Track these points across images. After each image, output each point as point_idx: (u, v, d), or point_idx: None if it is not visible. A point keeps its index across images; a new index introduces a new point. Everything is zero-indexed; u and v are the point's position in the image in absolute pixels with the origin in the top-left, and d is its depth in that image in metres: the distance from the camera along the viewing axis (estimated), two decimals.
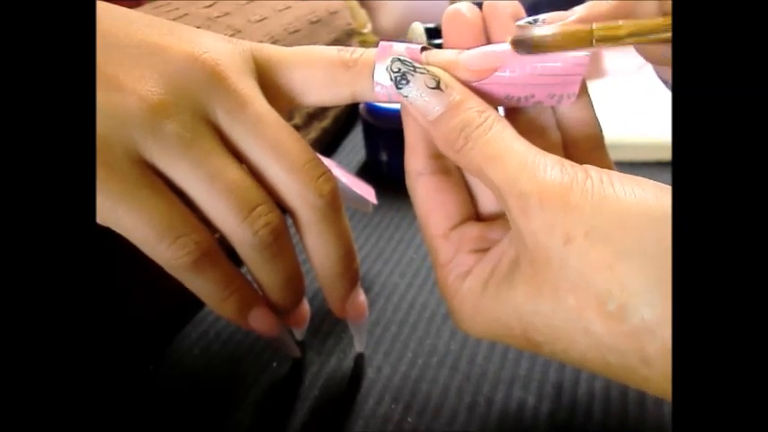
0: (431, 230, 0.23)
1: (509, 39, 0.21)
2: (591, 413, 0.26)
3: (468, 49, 0.21)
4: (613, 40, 0.20)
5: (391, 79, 0.21)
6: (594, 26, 0.20)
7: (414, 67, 0.20)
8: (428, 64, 0.21)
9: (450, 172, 0.23)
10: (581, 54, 0.21)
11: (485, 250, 0.22)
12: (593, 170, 0.18)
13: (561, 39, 0.20)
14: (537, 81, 0.21)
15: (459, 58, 0.21)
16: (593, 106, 0.24)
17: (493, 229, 0.23)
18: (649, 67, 0.47)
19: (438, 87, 0.20)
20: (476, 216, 0.24)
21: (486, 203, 0.24)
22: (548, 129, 0.23)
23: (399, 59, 0.21)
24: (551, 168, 0.18)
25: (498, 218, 0.23)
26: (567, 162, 0.19)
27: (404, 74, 0.20)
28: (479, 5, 0.23)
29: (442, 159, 0.23)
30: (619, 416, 0.26)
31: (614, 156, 0.46)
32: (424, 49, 0.22)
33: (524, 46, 0.20)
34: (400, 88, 0.20)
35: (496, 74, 0.21)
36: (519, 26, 0.21)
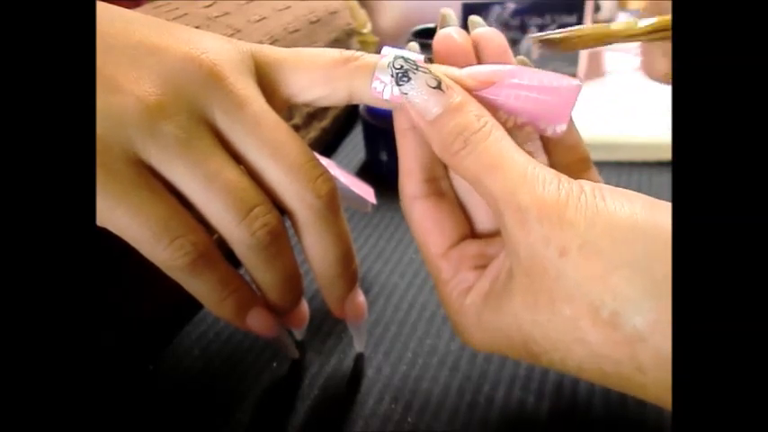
0: (430, 251, 0.23)
1: (534, 37, 0.22)
2: (591, 412, 0.26)
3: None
4: (628, 36, 0.24)
5: (392, 75, 0.21)
6: (612, 25, 0.24)
7: (416, 65, 0.20)
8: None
9: (445, 194, 0.24)
10: (574, 82, 0.21)
11: (485, 266, 0.23)
12: (587, 185, 0.19)
13: (581, 37, 0.24)
14: (529, 104, 0.21)
15: (462, 72, 0.21)
16: (577, 130, 0.24)
17: (491, 245, 0.23)
18: None
19: (439, 88, 0.20)
20: (471, 234, 0.24)
21: (482, 222, 0.24)
22: (534, 153, 0.24)
23: (402, 57, 0.21)
24: (549, 183, 0.19)
25: (494, 234, 0.24)
26: (564, 177, 0.19)
27: (406, 71, 0.20)
28: (470, 7, 0.23)
29: (437, 182, 0.23)
30: (619, 415, 0.26)
31: (614, 156, 0.46)
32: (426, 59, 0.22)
33: (551, 44, 0.23)
34: (401, 85, 0.20)
35: (491, 96, 0.21)
36: (533, 37, 0.23)
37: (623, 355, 0.17)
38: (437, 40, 0.22)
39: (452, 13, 0.23)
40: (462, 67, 0.22)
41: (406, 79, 0.20)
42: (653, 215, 0.18)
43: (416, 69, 0.20)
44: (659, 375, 0.17)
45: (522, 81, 0.21)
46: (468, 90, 0.21)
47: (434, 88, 0.20)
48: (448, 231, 0.23)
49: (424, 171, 0.23)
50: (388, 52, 0.22)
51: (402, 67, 0.20)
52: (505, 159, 0.19)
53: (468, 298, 0.22)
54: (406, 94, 0.20)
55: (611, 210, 0.18)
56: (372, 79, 0.22)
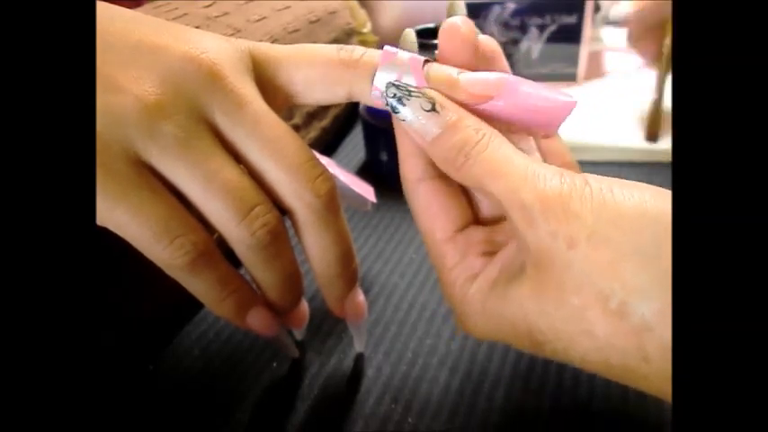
0: (436, 235, 0.23)
1: None
2: (591, 412, 0.26)
3: (462, 61, 0.22)
4: None
5: (386, 104, 0.21)
6: None
7: (408, 91, 0.21)
8: (429, 78, 0.21)
9: (448, 176, 0.23)
10: (570, 98, 0.21)
11: (492, 253, 0.23)
12: (591, 178, 0.19)
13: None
14: (525, 115, 0.21)
15: (460, 79, 0.21)
16: (560, 137, 0.24)
17: (498, 232, 0.23)
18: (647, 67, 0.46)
19: (434, 109, 0.20)
20: (476, 221, 0.24)
21: (486, 207, 0.24)
22: (528, 151, 0.24)
23: (394, 84, 0.21)
24: (551, 179, 0.19)
25: (500, 221, 0.24)
26: (566, 171, 0.19)
27: (399, 98, 0.21)
28: (470, 7, 0.23)
29: None
30: (619, 414, 0.26)
31: (614, 156, 0.46)
32: (425, 62, 0.22)
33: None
34: (397, 113, 0.21)
35: (487, 108, 0.21)
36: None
37: (630, 344, 0.18)
38: (443, 31, 0.22)
39: (461, 4, 0.23)
40: (467, 58, 0.22)
41: (401, 106, 0.21)
42: (663, 203, 0.18)
43: (409, 95, 0.21)
44: (663, 365, 0.17)
45: (519, 96, 0.21)
46: (465, 105, 0.21)
47: (429, 111, 0.20)
48: (453, 215, 0.23)
49: (426, 153, 0.23)
50: (389, 52, 0.22)
51: (395, 95, 0.21)
52: (506, 163, 0.19)
53: (474, 285, 0.22)
54: (403, 120, 0.21)
55: (619, 200, 0.18)
56: (372, 88, 0.22)
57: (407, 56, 0.22)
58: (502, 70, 0.23)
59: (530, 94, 0.21)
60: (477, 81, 0.21)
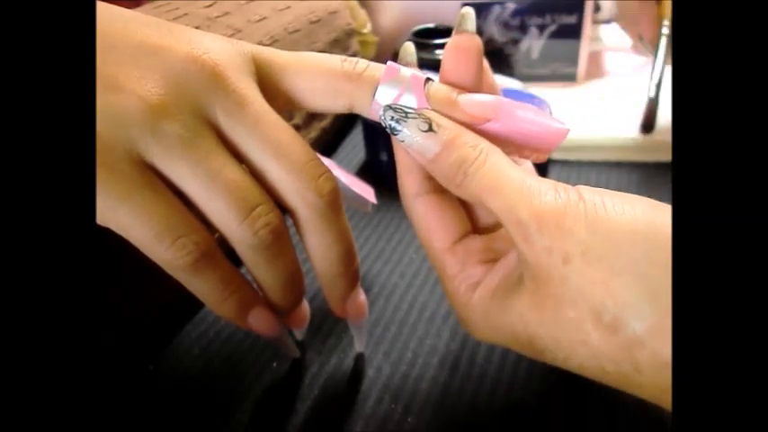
0: (435, 245, 0.24)
1: None
2: (591, 414, 0.26)
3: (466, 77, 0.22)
4: None
5: (385, 126, 0.21)
6: None
7: (405, 112, 0.21)
8: (429, 97, 0.22)
9: (446, 190, 0.24)
10: (563, 126, 0.22)
11: (492, 260, 0.23)
12: (585, 192, 0.19)
13: None
14: (519, 138, 0.22)
15: (459, 100, 0.21)
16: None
17: (497, 239, 0.24)
18: (649, 68, 0.46)
19: (431, 129, 0.21)
20: (474, 230, 0.24)
21: (484, 216, 0.25)
22: (518, 161, 0.24)
23: (391, 107, 0.21)
24: (545, 194, 0.19)
25: (498, 228, 0.24)
26: (560, 185, 0.20)
27: (397, 120, 0.21)
28: (474, 6, 0.23)
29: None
30: (619, 414, 0.26)
31: (613, 156, 0.46)
32: (427, 80, 0.22)
33: None
34: (395, 134, 0.21)
35: (487, 124, 0.22)
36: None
37: (623, 357, 0.18)
38: (448, 48, 0.22)
39: (472, 14, 0.23)
40: (470, 79, 0.22)
41: (399, 128, 0.21)
42: (653, 219, 0.18)
43: (406, 117, 0.21)
44: (656, 377, 0.18)
45: (515, 121, 0.21)
46: (463, 124, 0.21)
47: (427, 131, 0.21)
48: (452, 226, 0.23)
49: (423, 168, 0.23)
50: (393, 68, 0.22)
51: (393, 117, 0.21)
52: (503, 180, 0.20)
53: (476, 293, 0.22)
54: (402, 141, 0.21)
55: (611, 216, 0.18)
56: (372, 102, 0.22)
57: (409, 73, 0.22)
58: (488, 85, 0.24)
59: (525, 119, 0.21)
60: (476, 103, 0.21)
